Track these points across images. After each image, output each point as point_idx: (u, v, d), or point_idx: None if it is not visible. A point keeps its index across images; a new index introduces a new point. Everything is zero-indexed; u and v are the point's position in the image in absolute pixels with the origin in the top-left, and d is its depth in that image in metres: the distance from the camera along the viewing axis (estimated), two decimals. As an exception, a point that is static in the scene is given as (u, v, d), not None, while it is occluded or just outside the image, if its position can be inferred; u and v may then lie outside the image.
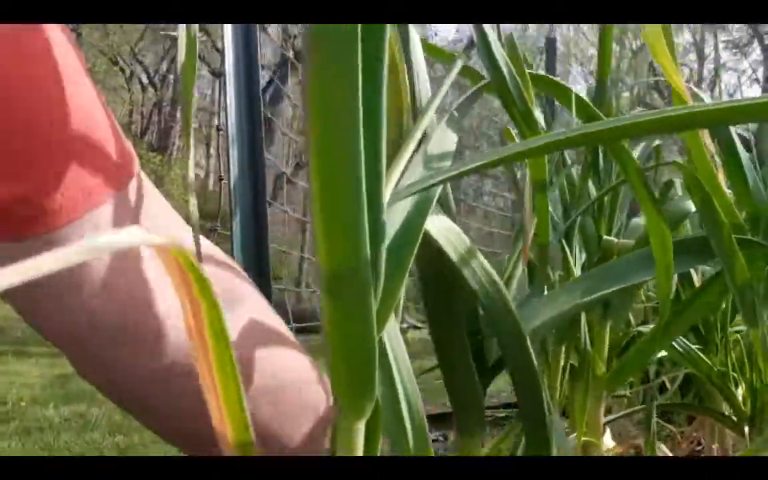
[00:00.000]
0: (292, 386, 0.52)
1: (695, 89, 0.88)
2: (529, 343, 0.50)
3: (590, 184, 0.84)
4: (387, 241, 0.40)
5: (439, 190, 0.42)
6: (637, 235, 0.97)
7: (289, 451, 0.51)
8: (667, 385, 1.60)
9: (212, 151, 24.60)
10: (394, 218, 0.40)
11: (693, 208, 0.80)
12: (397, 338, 0.40)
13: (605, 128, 0.32)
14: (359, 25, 0.29)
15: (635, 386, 1.58)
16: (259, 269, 0.90)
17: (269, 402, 0.50)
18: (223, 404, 0.27)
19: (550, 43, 3.01)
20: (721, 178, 0.74)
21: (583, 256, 0.95)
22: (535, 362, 0.48)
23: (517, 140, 0.80)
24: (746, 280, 0.65)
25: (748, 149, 0.61)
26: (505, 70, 0.47)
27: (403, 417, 0.39)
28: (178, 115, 19.70)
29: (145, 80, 20.34)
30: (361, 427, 0.37)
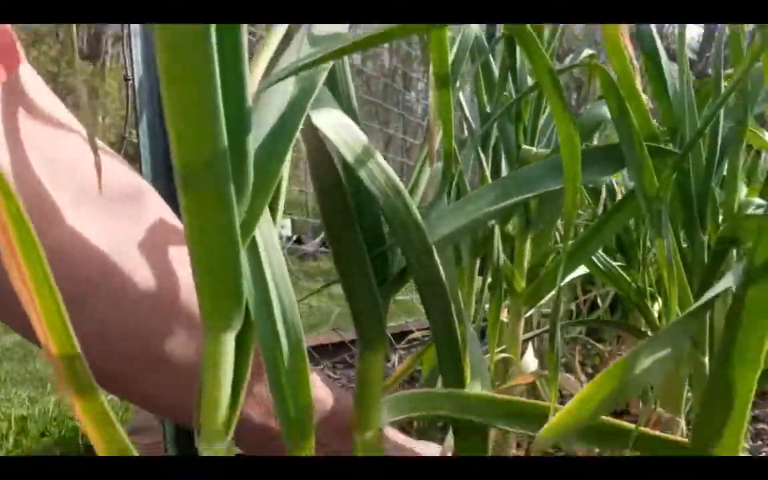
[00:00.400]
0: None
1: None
2: (435, 253, 0.48)
3: (511, 85, 0.81)
4: (259, 133, 0.36)
5: (322, 78, 0.37)
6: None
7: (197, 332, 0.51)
8: (599, 303, 1.65)
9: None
10: (268, 109, 0.36)
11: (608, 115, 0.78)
12: (274, 245, 0.37)
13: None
14: None
15: (565, 306, 1.62)
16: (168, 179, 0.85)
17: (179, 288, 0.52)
18: (43, 318, 0.23)
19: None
20: (641, 84, 0.72)
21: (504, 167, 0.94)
22: (443, 273, 0.46)
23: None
24: (654, 189, 0.64)
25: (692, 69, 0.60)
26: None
27: (278, 332, 0.36)
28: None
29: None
30: (229, 338, 0.34)
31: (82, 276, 0.47)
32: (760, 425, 1.42)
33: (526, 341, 1.03)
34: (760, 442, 1.36)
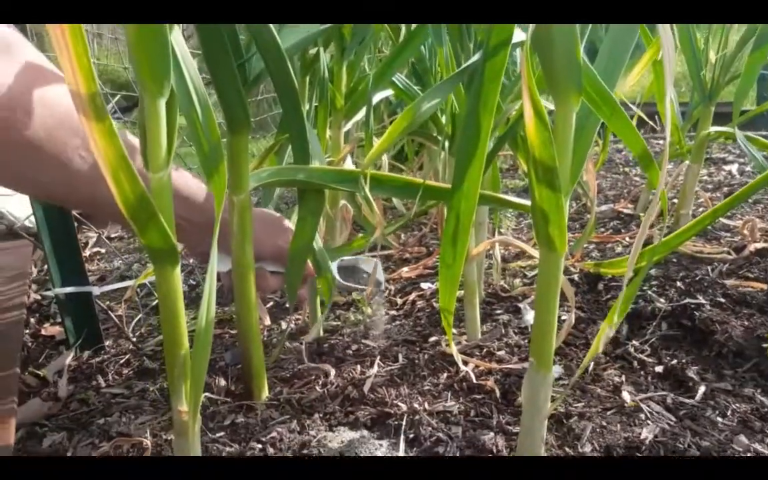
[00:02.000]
0: (66, 114, 0.64)
1: None
2: (285, 57, 0.67)
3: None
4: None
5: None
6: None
7: (65, 158, 0.64)
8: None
9: None
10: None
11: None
12: (180, 40, 0.54)
13: None
14: None
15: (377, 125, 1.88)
16: None
17: (50, 123, 0.62)
18: (74, 61, 0.40)
19: None
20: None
21: None
22: (293, 76, 0.66)
23: None
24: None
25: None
26: None
27: (191, 95, 0.54)
28: None
29: None
30: (162, 103, 0.51)
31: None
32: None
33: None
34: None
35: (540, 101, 0.52)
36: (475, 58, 0.72)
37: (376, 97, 1.21)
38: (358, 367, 0.96)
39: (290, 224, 0.91)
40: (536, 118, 0.53)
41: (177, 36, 0.54)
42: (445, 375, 0.92)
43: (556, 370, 0.93)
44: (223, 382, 0.93)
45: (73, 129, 0.64)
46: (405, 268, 1.44)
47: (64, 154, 0.63)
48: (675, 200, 1.71)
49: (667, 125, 0.47)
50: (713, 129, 1.38)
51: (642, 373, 0.91)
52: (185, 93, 0.53)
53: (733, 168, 2.21)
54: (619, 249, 1.47)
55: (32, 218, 1.63)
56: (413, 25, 1.14)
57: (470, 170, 0.71)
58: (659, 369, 0.91)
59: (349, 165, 1.23)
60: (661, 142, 2.83)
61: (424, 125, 1.66)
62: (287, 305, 1.28)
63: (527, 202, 0.80)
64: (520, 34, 0.75)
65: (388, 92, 1.29)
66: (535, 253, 0.68)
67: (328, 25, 0.80)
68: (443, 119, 1.33)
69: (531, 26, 0.52)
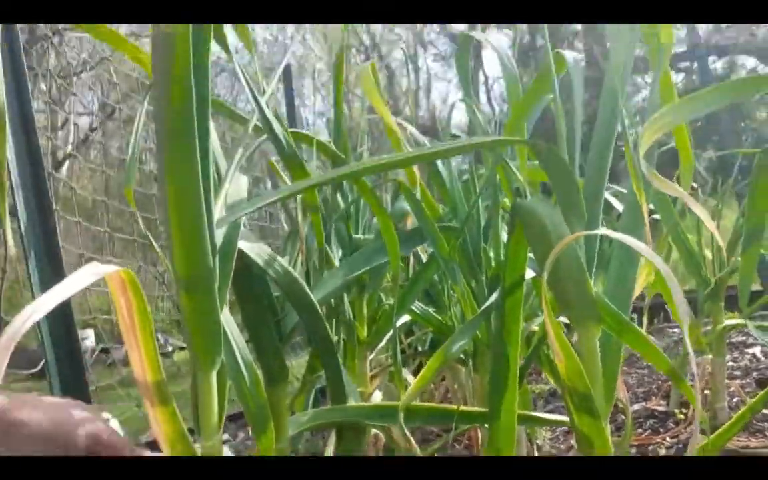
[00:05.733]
0: None
1: (404, 123, 1.20)
2: (320, 311, 0.73)
3: (339, 198, 1.11)
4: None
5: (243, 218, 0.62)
6: (376, 230, 1.27)
7: None
8: (419, 347, 1.97)
9: None
10: (218, 239, 0.59)
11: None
12: (228, 317, 0.60)
13: (347, 172, 0.55)
14: (195, 115, 0.48)
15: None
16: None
17: None
18: (144, 356, 0.44)
19: (287, 70, 3.33)
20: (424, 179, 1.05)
21: (340, 253, 1.22)
22: (325, 321, 0.71)
23: (283, 175, 1.04)
24: (446, 252, 0.96)
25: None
26: (281, 135, 0.69)
27: (240, 367, 0.59)
28: None
29: None
30: (213, 375, 0.56)
31: None
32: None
33: (371, 376, 1.30)
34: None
35: (565, 339, 0.56)
36: (493, 297, 0.78)
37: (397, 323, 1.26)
38: None
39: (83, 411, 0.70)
40: (564, 352, 0.57)
41: (226, 314, 0.60)
42: None
43: None
44: None
45: None
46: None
47: None
48: (706, 392, 1.70)
49: (688, 348, 0.51)
50: (727, 322, 1.42)
51: None
52: (234, 363, 0.58)
53: (756, 351, 2.21)
54: (662, 451, 1.43)
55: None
56: (425, 259, 1.23)
57: (504, 402, 0.74)
58: None
59: (377, 395, 1.26)
60: (676, 330, 2.85)
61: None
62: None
63: (564, 418, 0.81)
64: (531, 272, 0.82)
65: (406, 317, 1.35)
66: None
67: (353, 275, 0.87)
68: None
69: (545, 272, 0.58)
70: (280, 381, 0.74)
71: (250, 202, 0.61)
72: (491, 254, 1.10)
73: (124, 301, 0.42)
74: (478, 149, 0.97)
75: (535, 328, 1.09)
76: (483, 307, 0.78)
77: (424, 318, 1.32)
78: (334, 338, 1.15)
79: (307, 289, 0.72)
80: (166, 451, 0.48)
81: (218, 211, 0.63)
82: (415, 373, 2.20)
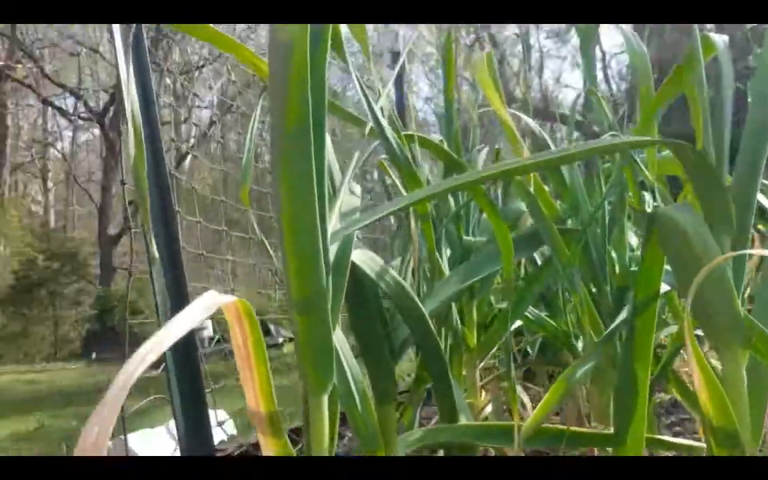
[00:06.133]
0: None
1: (519, 114, 1.13)
2: (431, 323, 0.70)
3: (450, 199, 1.06)
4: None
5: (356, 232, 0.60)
6: (488, 228, 1.21)
7: None
8: (529, 351, 1.90)
9: (50, 184, 22.73)
10: (331, 253, 0.57)
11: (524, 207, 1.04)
12: (341, 338, 0.57)
13: (464, 181, 0.51)
14: (311, 137, 0.46)
15: (502, 357, 1.86)
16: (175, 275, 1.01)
17: None
18: (258, 387, 0.43)
19: (395, 56, 3.31)
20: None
21: (448, 252, 1.18)
22: (436, 335, 0.68)
23: (392, 173, 1.01)
24: (566, 257, 0.89)
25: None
26: (395, 145, 0.66)
27: (352, 391, 0.56)
28: (8, 150, 18.03)
29: (-38, 116, 18.35)
30: (325, 399, 0.54)
31: None
32: (675, 429, 1.72)
33: (480, 387, 1.25)
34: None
35: (711, 372, 0.49)
36: (622, 316, 0.71)
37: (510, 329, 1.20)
38: None
39: None
40: (709, 387, 0.50)
41: (338, 333, 0.57)
42: None
43: None
44: None
45: None
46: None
47: None
48: None
49: None
50: None
51: None
52: (346, 387, 0.56)
53: None
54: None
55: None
56: (540, 262, 1.16)
57: (631, 428, 0.67)
58: None
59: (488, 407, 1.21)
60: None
61: (558, 352, 1.61)
62: None
63: (700, 444, 0.74)
64: (665, 286, 0.74)
65: (517, 323, 1.29)
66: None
67: (465, 285, 0.83)
68: (579, 346, 1.30)
69: (691, 294, 0.51)
70: (390, 400, 0.71)
71: (365, 214, 0.58)
72: (614, 256, 1.02)
73: (240, 330, 0.40)
74: (610, 152, 0.90)
75: (663, 339, 0.99)
76: (610, 327, 0.72)
77: (538, 323, 1.26)
78: (442, 346, 1.12)
79: (419, 303, 0.69)
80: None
81: (333, 221, 0.61)
82: (525, 379, 2.12)
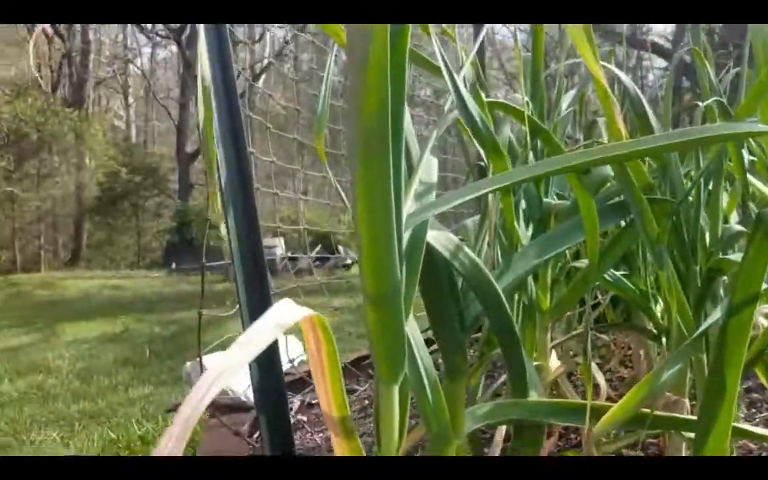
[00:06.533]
0: None
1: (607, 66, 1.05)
2: (505, 301, 0.67)
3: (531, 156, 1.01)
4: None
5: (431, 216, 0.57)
6: (566, 185, 1.15)
7: None
8: (599, 298, 1.84)
9: (131, 100, 23.49)
10: (405, 237, 0.55)
11: (611, 172, 0.98)
12: (415, 328, 0.56)
13: (565, 165, 0.48)
14: (390, 126, 0.43)
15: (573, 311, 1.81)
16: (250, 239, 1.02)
17: None
18: (331, 394, 0.42)
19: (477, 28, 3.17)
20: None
21: (523, 203, 1.13)
22: (511, 316, 0.65)
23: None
24: (654, 231, 0.83)
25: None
26: (477, 117, 0.62)
27: (423, 381, 0.55)
28: (91, 66, 18.65)
29: (49, 30, 19.01)
30: (396, 388, 0.53)
31: None
32: (754, 395, 1.64)
33: (550, 348, 1.22)
34: (753, 410, 1.57)
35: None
36: (715, 316, 0.66)
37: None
38: None
39: None
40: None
41: (411, 321, 0.56)
42: None
43: None
44: None
45: None
46: None
47: None
48: None
49: None
50: None
51: None
52: (418, 378, 0.55)
53: None
54: None
55: (249, 392, 1.77)
56: (623, 222, 1.10)
57: (716, 432, 0.63)
58: None
59: (554, 365, 1.18)
60: None
61: (634, 315, 1.55)
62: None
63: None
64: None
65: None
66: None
67: (545, 258, 0.79)
68: (657, 311, 1.24)
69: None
70: (461, 376, 0.69)
71: (442, 198, 0.55)
72: (705, 233, 0.95)
73: (314, 341, 0.39)
74: (731, 141, 0.81)
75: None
76: (700, 329, 0.67)
77: (615, 285, 1.20)
78: (513, 306, 1.09)
79: (494, 281, 0.66)
80: None
81: (408, 202, 0.58)
82: (595, 329, 2.06)
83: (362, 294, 0.49)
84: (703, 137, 0.49)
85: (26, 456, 2.88)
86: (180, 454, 0.27)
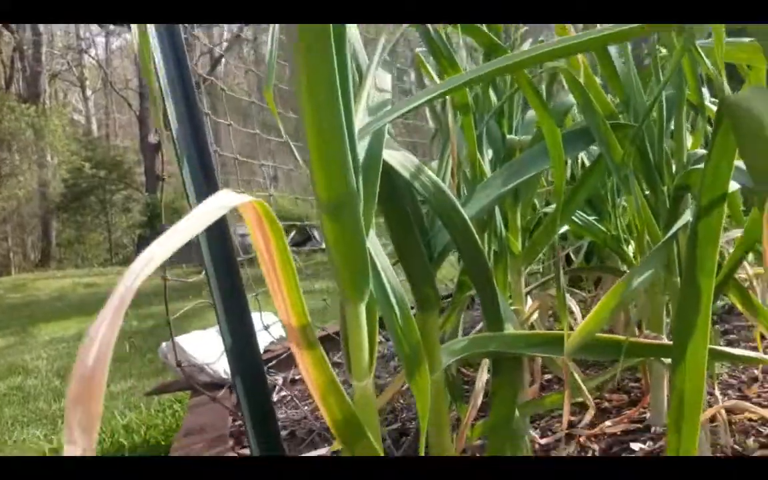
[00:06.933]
0: None
1: None
2: (473, 229, 0.65)
3: (492, 93, 0.99)
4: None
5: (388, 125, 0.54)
6: (531, 127, 1.14)
7: None
8: (572, 257, 1.84)
9: (89, 92, 22.93)
10: (360, 151, 0.53)
11: (574, 101, 0.96)
12: (376, 243, 0.54)
13: (503, 65, 0.45)
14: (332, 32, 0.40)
15: (546, 262, 1.81)
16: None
17: None
18: (287, 299, 0.40)
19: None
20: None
21: (490, 152, 1.11)
22: (479, 241, 0.64)
23: (429, 69, 0.94)
24: (619, 155, 0.82)
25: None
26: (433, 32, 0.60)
27: (389, 298, 0.53)
28: (44, 58, 18.07)
29: None
30: (362, 308, 0.51)
31: None
32: (730, 336, 1.67)
33: (525, 294, 1.21)
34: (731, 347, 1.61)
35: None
36: (685, 219, 0.65)
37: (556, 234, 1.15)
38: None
39: None
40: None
41: (373, 239, 0.54)
42: None
43: None
44: None
45: None
46: (607, 422, 1.27)
47: None
48: None
49: None
50: None
51: None
52: (384, 296, 0.53)
53: None
54: None
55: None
56: (589, 163, 1.09)
57: (693, 343, 0.62)
58: None
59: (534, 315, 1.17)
60: None
61: (604, 260, 1.55)
62: None
63: (760, 355, 0.69)
64: (734, 184, 0.67)
65: (564, 228, 1.23)
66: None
67: (510, 187, 0.77)
68: (629, 250, 1.24)
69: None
70: (432, 308, 0.68)
71: (393, 107, 0.53)
72: (670, 156, 0.94)
73: (261, 235, 0.37)
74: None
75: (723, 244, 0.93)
76: (670, 232, 0.66)
77: (586, 227, 1.20)
78: (485, 249, 1.07)
79: (458, 205, 0.64)
80: (317, 398, 0.45)
81: (360, 115, 0.56)
82: (570, 285, 2.08)
83: (317, 207, 0.47)
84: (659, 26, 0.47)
85: (10, 456, 2.81)
86: (113, 334, 0.25)
